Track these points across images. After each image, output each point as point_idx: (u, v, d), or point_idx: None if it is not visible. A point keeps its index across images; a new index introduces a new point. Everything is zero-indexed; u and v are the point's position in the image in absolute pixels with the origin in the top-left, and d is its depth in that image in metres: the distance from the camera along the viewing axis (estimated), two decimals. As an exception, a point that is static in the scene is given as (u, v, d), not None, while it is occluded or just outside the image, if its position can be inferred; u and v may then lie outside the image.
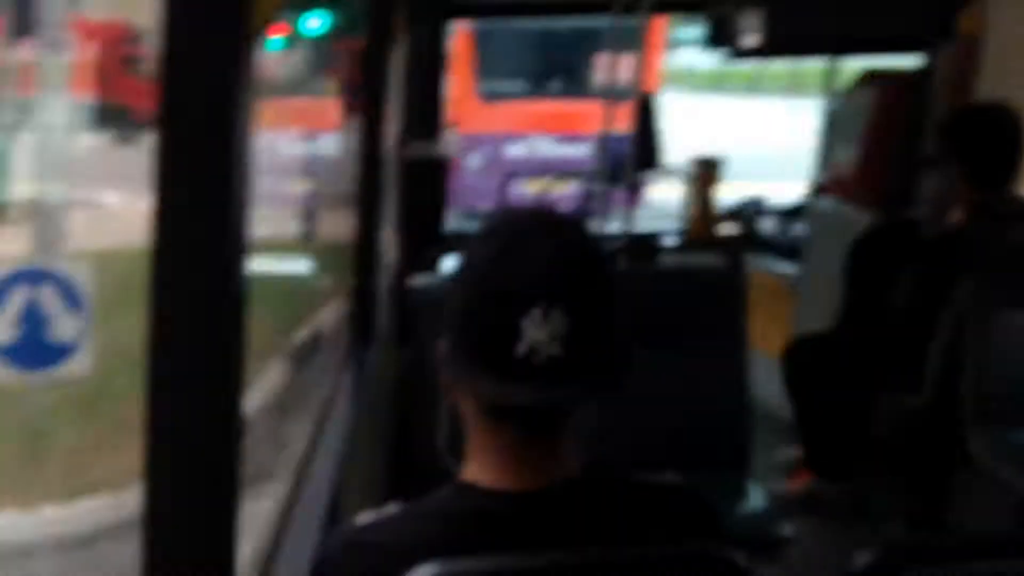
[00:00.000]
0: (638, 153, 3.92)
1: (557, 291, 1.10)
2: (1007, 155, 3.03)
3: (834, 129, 4.15)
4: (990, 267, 2.99)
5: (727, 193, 6.03)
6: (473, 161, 11.15)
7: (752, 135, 17.90)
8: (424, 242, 4.38)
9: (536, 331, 1.08)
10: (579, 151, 10.68)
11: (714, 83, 25.31)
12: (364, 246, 2.88)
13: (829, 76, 3.93)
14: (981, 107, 3.23)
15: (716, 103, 23.54)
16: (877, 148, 3.80)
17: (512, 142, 11.31)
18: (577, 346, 1.10)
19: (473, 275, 1.16)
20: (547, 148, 11.25)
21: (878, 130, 3.79)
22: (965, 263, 2.98)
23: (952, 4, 3.40)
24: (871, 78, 3.96)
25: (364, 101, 2.71)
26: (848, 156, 3.99)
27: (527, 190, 10.45)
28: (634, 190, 4.07)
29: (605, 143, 4.15)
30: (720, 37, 4.30)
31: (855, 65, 4.49)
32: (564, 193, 10.09)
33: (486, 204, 10.37)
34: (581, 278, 1.14)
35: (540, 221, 1.21)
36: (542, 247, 1.13)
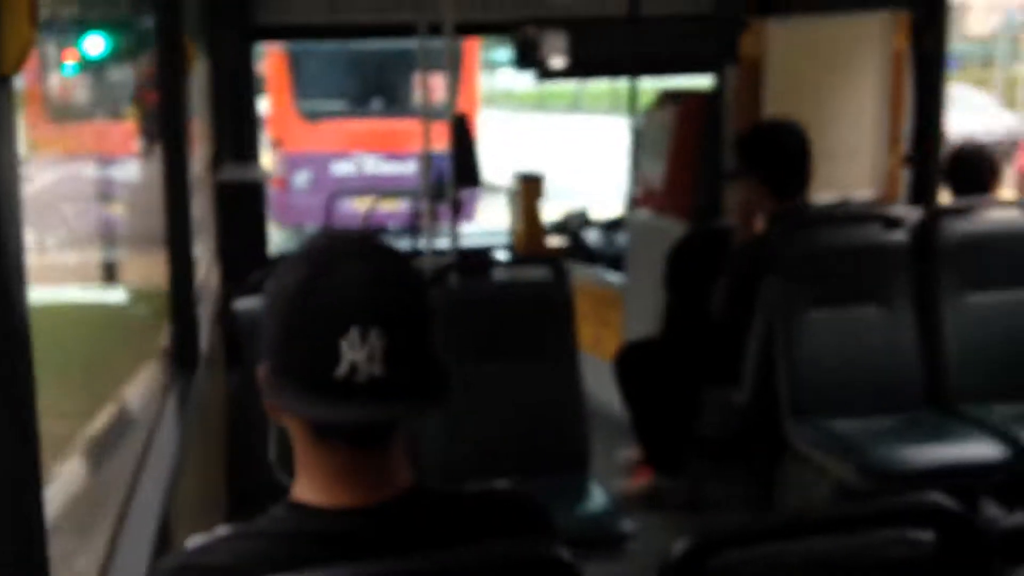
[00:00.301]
0: (457, 171, 3.96)
1: (373, 311, 1.10)
2: (799, 167, 3.23)
3: (640, 145, 4.33)
4: (793, 270, 3.16)
5: (554, 209, 6.18)
6: (299, 179, 11.30)
7: (574, 151, 18.50)
8: (247, 265, 4.26)
9: (355, 352, 1.09)
10: (405, 168, 10.97)
11: (537, 102, 26.05)
12: (178, 273, 2.77)
13: (632, 96, 4.09)
14: (772, 124, 3.43)
15: (539, 121, 24.25)
16: (681, 163, 3.98)
17: (337, 160, 11.38)
18: (397, 365, 1.10)
19: (288, 298, 1.14)
20: (373, 166, 11.41)
21: (680, 146, 3.97)
22: (770, 267, 3.14)
23: (734, 30, 3.61)
24: (668, 98, 4.15)
25: (163, 125, 2.61)
26: (656, 171, 4.15)
27: (355, 208, 10.48)
28: (457, 207, 4.09)
29: (428, 161, 4.16)
30: (527, 59, 4.44)
31: (658, 85, 4.71)
32: (392, 211, 10.36)
33: (314, 222, 10.50)
34: (396, 298, 1.14)
35: (353, 243, 1.20)
36: (356, 268, 1.13)
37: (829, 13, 3.74)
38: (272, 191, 11.54)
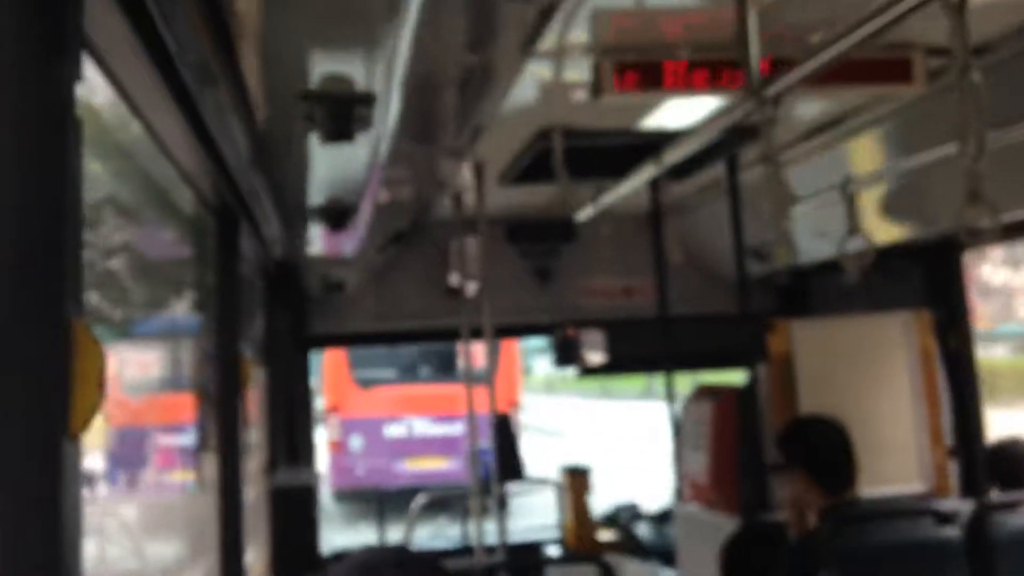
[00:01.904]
0: (501, 467, 4.04)
1: None
2: (843, 461, 3.26)
3: (680, 438, 4.40)
4: (848, 567, 3.11)
5: (603, 500, 6.17)
6: (355, 443, 12.17)
7: (610, 436, 18.62)
8: (299, 569, 4.27)
9: None
10: (452, 428, 11.96)
11: (576, 386, 26.72)
12: None
13: (669, 389, 4.23)
14: (810, 419, 3.49)
15: (577, 405, 24.57)
16: (723, 458, 4.02)
17: (389, 423, 12.27)
18: None
19: None
20: (423, 428, 12.23)
21: (720, 441, 4.03)
22: (825, 563, 3.10)
23: (760, 329, 3.78)
24: (704, 393, 4.27)
25: (220, 438, 2.76)
26: (698, 465, 4.19)
27: (409, 467, 11.49)
28: (503, 503, 4.13)
29: (476, 458, 4.26)
30: (566, 356, 4.64)
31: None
32: (441, 468, 11.26)
33: (369, 482, 11.37)
34: None
35: (389, 558, 1.26)
36: None
37: (849, 315, 3.91)
38: (330, 456, 12.36)
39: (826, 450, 3.29)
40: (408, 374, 12.60)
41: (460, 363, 11.47)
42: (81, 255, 1.05)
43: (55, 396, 0.99)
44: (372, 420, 12.22)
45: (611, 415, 23.40)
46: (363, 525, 11.14)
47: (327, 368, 12.54)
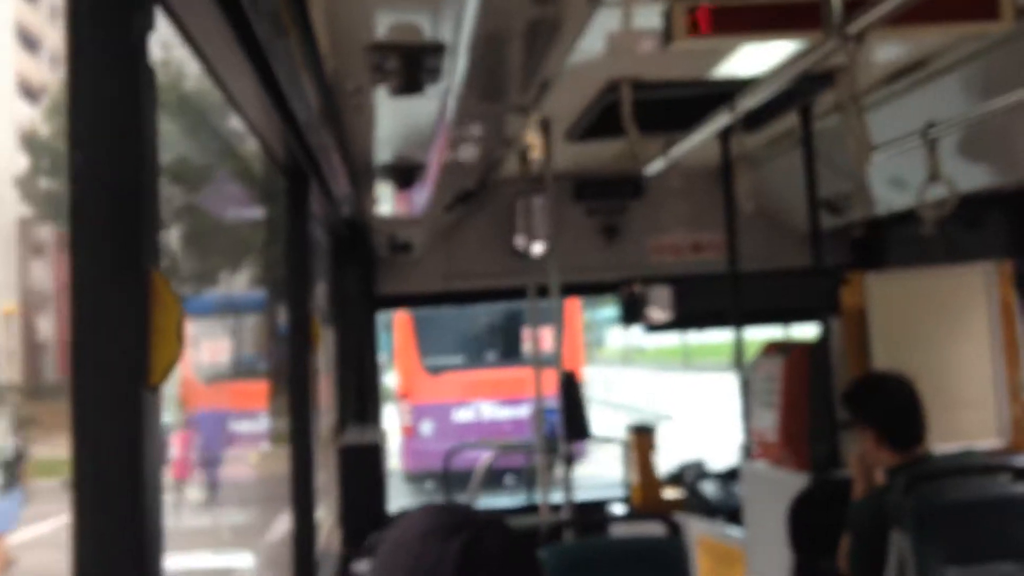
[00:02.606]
0: (568, 425, 4.03)
1: None
2: (912, 418, 3.18)
3: (750, 396, 4.34)
4: (921, 526, 3.05)
5: (670, 460, 6.14)
6: (425, 428, 12.64)
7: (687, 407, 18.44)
8: (367, 526, 4.33)
9: None
10: (518, 412, 12.38)
11: (655, 359, 26.17)
12: (301, 537, 2.86)
13: (738, 348, 4.16)
14: (877, 376, 3.40)
15: (655, 377, 24.11)
16: (793, 414, 3.95)
17: (458, 408, 12.75)
18: None
19: (390, 573, 1.17)
20: (490, 411, 12.69)
21: (790, 397, 3.96)
22: (895, 522, 3.04)
23: (833, 283, 3.69)
24: (774, 348, 4.20)
25: (292, 398, 2.79)
26: (767, 422, 4.13)
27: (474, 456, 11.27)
28: (570, 461, 4.12)
29: (541, 416, 4.25)
30: (632, 314, 4.59)
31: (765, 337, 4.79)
32: (508, 459, 11.17)
33: (439, 465, 10.94)
34: (496, 572, 1.16)
35: (454, 515, 1.24)
36: (455, 544, 1.16)
37: (926, 267, 3.79)
38: (402, 440, 12.93)
39: (893, 406, 3.21)
40: (475, 359, 13.01)
41: (526, 347, 12.22)
42: (158, 205, 1.05)
43: (135, 347, 1.00)
44: (441, 405, 12.68)
45: (692, 388, 22.78)
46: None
47: (397, 355, 13.03)
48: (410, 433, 12.68)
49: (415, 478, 12.90)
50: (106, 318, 0.98)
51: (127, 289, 0.99)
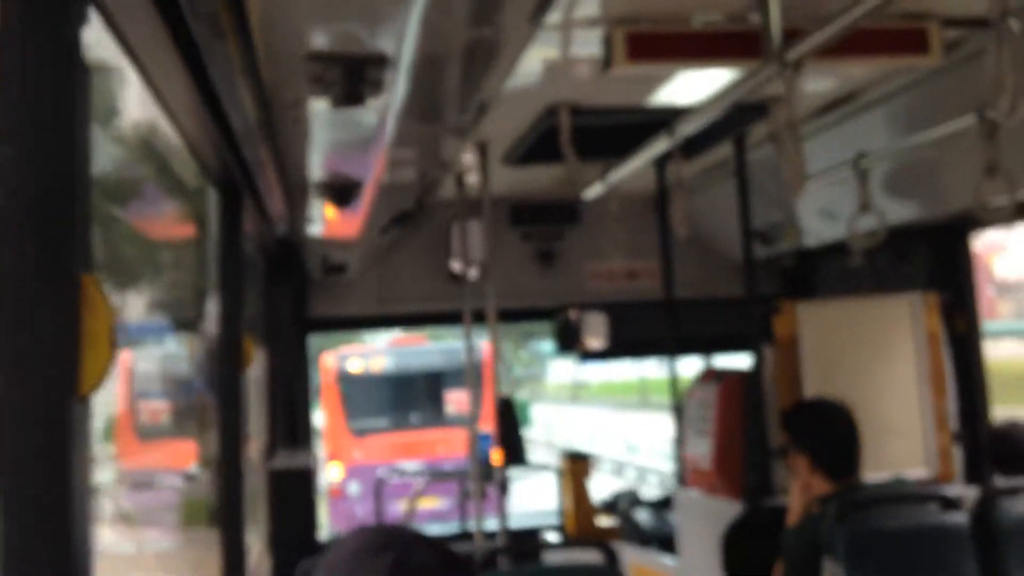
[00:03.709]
0: (504, 451, 4.01)
1: None
2: (848, 446, 3.21)
3: (683, 424, 4.37)
4: (851, 554, 3.08)
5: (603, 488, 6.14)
6: (352, 488, 13.31)
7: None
8: (297, 552, 4.23)
9: None
10: (441, 468, 13.00)
11: (609, 395, 25.67)
12: (230, 563, 2.78)
13: (673, 378, 4.19)
14: (816, 402, 3.44)
15: (608, 417, 23.52)
16: (727, 441, 3.99)
17: (383, 469, 13.39)
18: None
19: None
20: (416, 470, 13.19)
21: (724, 424, 3.99)
22: (827, 550, 3.06)
23: (766, 311, 3.74)
24: (709, 376, 4.24)
25: (221, 419, 2.72)
26: (701, 449, 4.16)
27: (400, 509, 12.17)
28: (504, 488, 4.09)
29: (475, 441, 4.22)
30: (567, 342, 4.59)
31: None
32: (435, 507, 12.31)
33: (370, 523, 12.00)
34: None
35: (384, 535, 1.23)
36: (384, 560, 1.16)
37: (856, 297, 3.87)
38: (329, 502, 13.47)
39: (831, 434, 3.25)
40: (400, 422, 13.82)
41: (448, 408, 13.57)
42: (90, 207, 1.01)
43: (64, 354, 0.95)
44: (367, 467, 13.20)
45: (650, 430, 22.16)
46: None
47: (326, 418, 13.54)
48: (338, 494, 13.32)
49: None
50: (32, 323, 0.93)
51: (55, 293, 0.95)
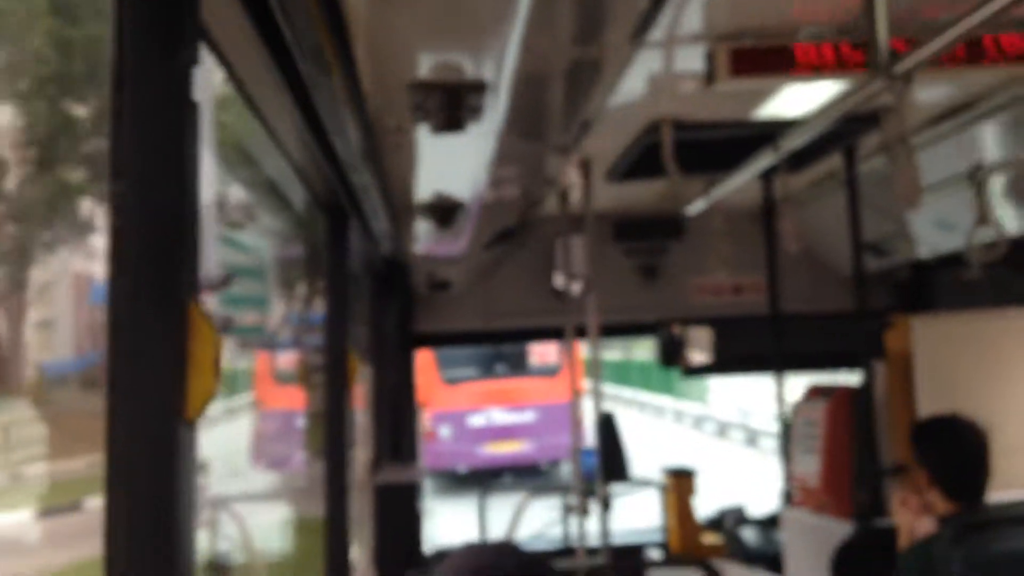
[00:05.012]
0: (605, 466, 3.98)
1: None
2: (976, 470, 3.06)
3: (791, 440, 4.26)
4: (970, 577, 2.95)
5: (708, 504, 6.05)
6: (444, 431, 14.75)
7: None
8: (402, 566, 4.29)
9: None
10: (523, 417, 14.77)
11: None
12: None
13: (779, 388, 4.09)
14: (947, 418, 3.28)
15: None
16: (835, 460, 3.88)
17: (472, 415, 14.89)
18: None
19: None
20: (500, 417, 14.88)
21: (833, 443, 3.88)
22: (942, 573, 2.94)
23: (878, 326, 3.62)
24: (816, 392, 4.12)
25: (328, 433, 2.77)
26: (809, 468, 4.05)
27: (489, 451, 14.38)
28: (606, 504, 4.06)
29: (578, 456, 4.21)
30: (670, 356, 4.54)
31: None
32: (516, 450, 14.28)
33: (459, 463, 14.53)
34: None
35: (490, 555, 1.24)
36: None
37: (974, 311, 3.71)
38: (425, 442, 14.78)
39: (962, 453, 3.09)
40: (487, 371, 15.03)
41: (531, 360, 14.88)
42: (199, 237, 1.04)
43: (171, 379, 0.99)
44: (457, 412, 14.68)
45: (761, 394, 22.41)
46: (451, 498, 13.93)
47: (419, 369, 14.61)
48: (431, 437, 14.58)
49: (435, 474, 15.19)
50: (143, 349, 0.97)
51: (165, 321, 0.99)
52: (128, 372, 0.97)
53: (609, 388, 31.56)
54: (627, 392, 31.16)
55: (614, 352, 36.08)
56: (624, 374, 33.08)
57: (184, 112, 1.01)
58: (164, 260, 0.99)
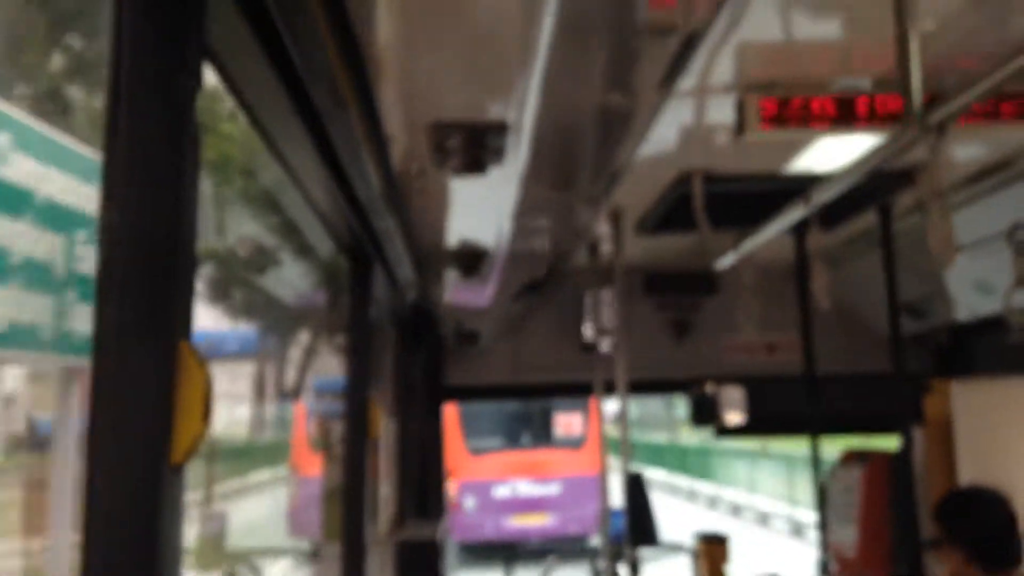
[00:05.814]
0: (634, 530, 3.87)
1: None
2: (1007, 540, 2.96)
3: (827, 506, 4.13)
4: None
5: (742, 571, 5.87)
6: (468, 502, 14.71)
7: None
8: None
9: None
10: (548, 489, 14.72)
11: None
12: None
13: (814, 451, 3.97)
14: (972, 491, 3.18)
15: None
16: (872, 529, 3.74)
17: (497, 485, 14.86)
18: None
19: None
20: (525, 488, 14.84)
21: (869, 510, 3.75)
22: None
23: (917, 390, 3.51)
24: (853, 457, 4.00)
25: (345, 486, 2.71)
26: (846, 536, 3.91)
27: (514, 524, 14.44)
28: (634, 568, 3.94)
29: (607, 518, 4.10)
30: (703, 416, 4.43)
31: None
32: (541, 523, 14.26)
33: (482, 536, 14.49)
34: None
35: None
36: None
37: (1016, 375, 3.60)
38: (450, 513, 14.66)
39: (989, 526, 2.99)
40: (512, 441, 15.08)
41: (556, 431, 14.85)
42: (193, 274, 1.00)
43: (157, 421, 0.94)
44: (482, 483, 14.74)
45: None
46: (476, 564, 14.24)
47: (446, 437, 14.93)
48: (456, 508, 14.60)
49: (461, 547, 15.15)
50: (128, 388, 0.93)
51: (154, 359, 0.94)
52: (111, 412, 0.92)
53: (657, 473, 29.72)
54: (682, 480, 27.63)
55: (659, 434, 35.20)
56: (672, 458, 30.06)
57: (183, 137, 0.98)
58: (155, 294, 0.95)
